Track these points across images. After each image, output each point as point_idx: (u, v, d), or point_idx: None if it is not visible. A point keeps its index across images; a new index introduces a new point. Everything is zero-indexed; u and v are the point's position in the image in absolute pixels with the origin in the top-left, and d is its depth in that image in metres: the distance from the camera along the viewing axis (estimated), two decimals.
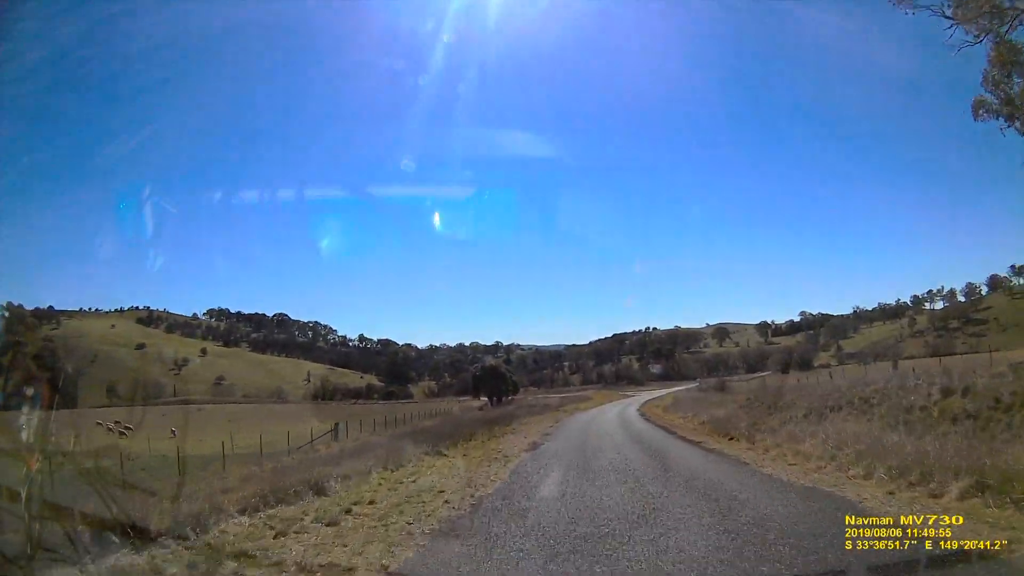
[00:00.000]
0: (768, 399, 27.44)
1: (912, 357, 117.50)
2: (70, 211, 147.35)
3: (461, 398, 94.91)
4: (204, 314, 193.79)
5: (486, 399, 79.27)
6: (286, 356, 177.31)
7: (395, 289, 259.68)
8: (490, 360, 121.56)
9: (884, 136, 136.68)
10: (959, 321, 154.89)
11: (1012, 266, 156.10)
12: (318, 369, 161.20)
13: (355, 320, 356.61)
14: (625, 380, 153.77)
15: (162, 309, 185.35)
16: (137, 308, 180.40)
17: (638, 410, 47.19)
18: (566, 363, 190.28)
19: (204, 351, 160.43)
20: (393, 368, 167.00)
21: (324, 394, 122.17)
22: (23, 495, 4.73)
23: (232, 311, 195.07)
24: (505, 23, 70.93)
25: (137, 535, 6.52)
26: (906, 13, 17.88)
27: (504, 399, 78.72)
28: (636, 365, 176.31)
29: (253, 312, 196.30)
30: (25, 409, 5.50)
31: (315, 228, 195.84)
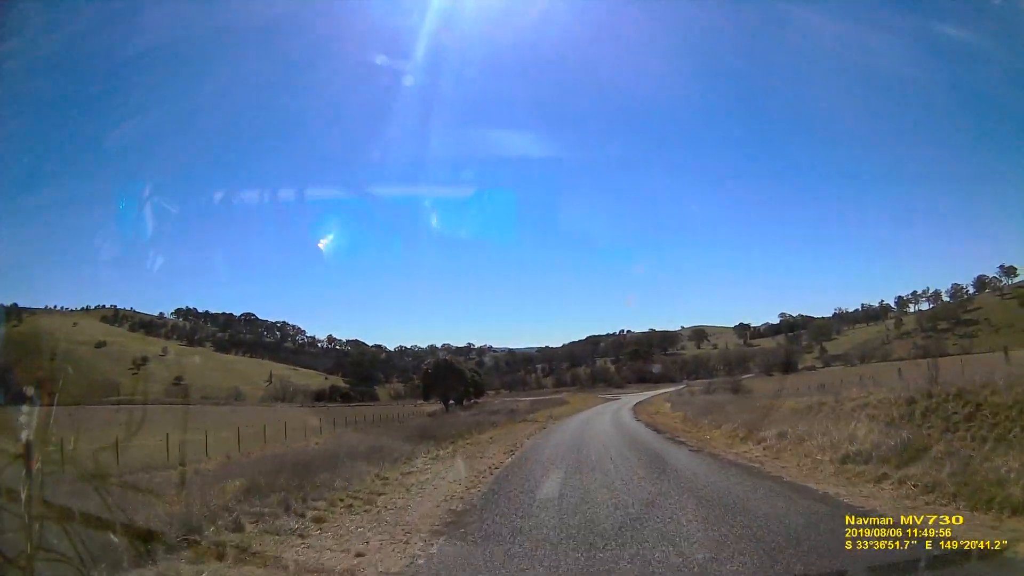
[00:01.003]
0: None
1: (901, 359, 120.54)
2: (47, 208, 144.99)
3: (422, 401, 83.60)
4: (172, 313, 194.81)
5: (441, 402, 72.04)
6: (251, 356, 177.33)
7: (366, 291, 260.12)
8: (445, 355, 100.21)
9: (863, 138, 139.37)
10: (948, 322, 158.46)
11: (1001, 266, 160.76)
12: (281, 370, 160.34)
13: (325, 321, 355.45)
14: (601, 382, 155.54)
15: (129, 308, 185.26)
16: (103, 307, 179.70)
17: (639, 419, 36.90)
18: (539, 365, 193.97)
19: (165, 350, 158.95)
20: (360, 369, 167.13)
21: (283, 395, 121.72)
22: (23, 495, 4.87)
23: (200, 311, 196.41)
24: (505, 23, 72.28)
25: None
26: None
27: (465, 402, 72.91)
28: (612, 367, 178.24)
29: (221, 312, 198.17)
30: None
31: (285, 229, 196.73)
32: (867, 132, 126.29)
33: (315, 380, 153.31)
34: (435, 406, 72.39)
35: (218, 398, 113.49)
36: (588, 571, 7.20)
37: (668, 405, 48.28)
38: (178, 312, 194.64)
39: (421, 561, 7.78)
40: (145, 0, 48.13)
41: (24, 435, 5.12)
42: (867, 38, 56.13)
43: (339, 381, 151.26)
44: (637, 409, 50.46)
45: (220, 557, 7.56)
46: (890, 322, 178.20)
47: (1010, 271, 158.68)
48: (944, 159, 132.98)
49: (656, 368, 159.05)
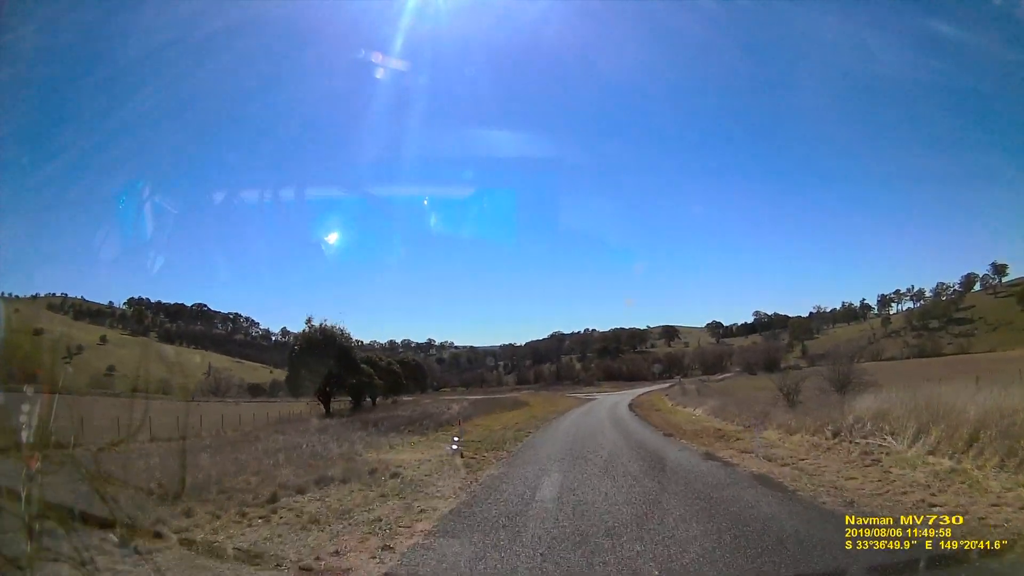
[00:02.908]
0: None
1: (893, 358, 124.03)
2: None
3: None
4: (124, 303, 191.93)
5: (350, 400, 55.23)
6: (196, 348, 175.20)
7: (329, 284, 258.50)
8: (327, 323, 55.26)
9: (840, 137, 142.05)
10: (940, 321, 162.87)
11: (992, 264, 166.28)
12: (226, 362, 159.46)
13: (284, 314, 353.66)
14: (567, 380, 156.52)
15: (79, 296, 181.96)
16: (53, 295, 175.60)
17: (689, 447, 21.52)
18: (501, 362, 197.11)
19: (104, 339, 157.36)
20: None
21: (216, 389, 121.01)
22: (23, 495, 5.24)
23: (152, 300, 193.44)
24: (505, 22, 74.31)
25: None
26: None
27: (365, 402, 56.79)
28: (578, 365, 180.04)
29: (174, 302, 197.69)
30: None
31: (245, 221, 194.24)
32: (844, 131, 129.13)
33: (259, 374, 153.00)
34: (311, 407, 53.97)
35: (146, 391, 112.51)
36: None
37: (697, 410, 39.57)
38: (130, 302, 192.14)
39: None
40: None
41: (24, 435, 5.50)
42: (844, 34, 57.89)
43: (284, 375, 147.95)
44: (651, 419, 36.91)
45: None
46: (874, 321, 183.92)
47: (1001, 269, 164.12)
48: (923, 158, 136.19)
49: (627, 366, 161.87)
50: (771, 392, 36.22)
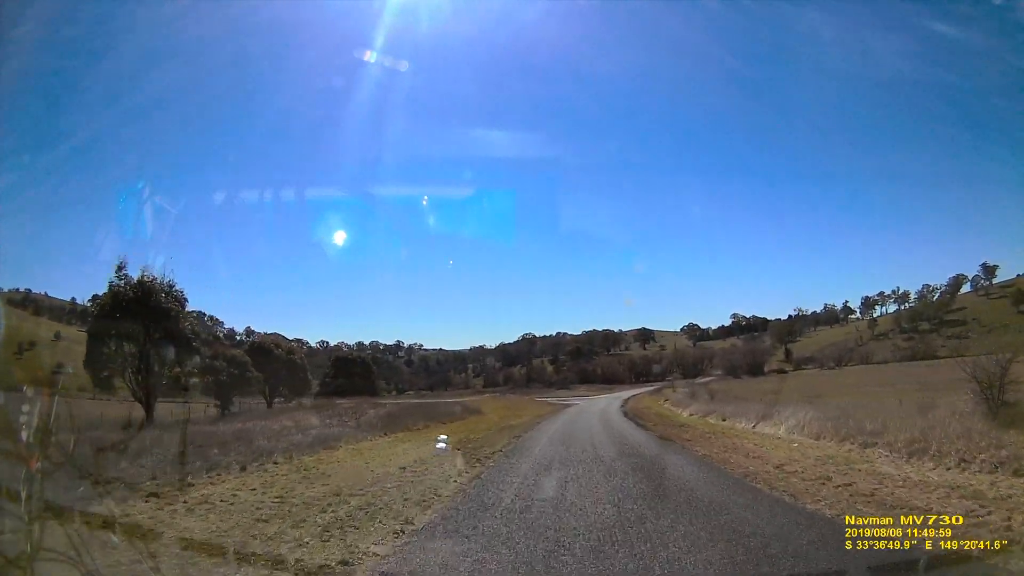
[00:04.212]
0: None
1: (884, 361, 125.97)
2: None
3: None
4: (88, 300, 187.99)
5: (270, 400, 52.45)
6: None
7: (299, 285, 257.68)
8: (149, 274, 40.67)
9: (820, 138, 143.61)
10: (931, 323, 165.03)
11: (983, 265, 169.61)
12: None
13: (256, 314, 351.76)
14: (537, 383, 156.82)
15: (43, 292, 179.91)
16: (17, 290, 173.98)
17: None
18: (470, 365, 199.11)
19: (58, 335, 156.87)
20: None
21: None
22: (23, 495, 5.46)
23: None
24: (505, 22, 74.81)
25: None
26: None
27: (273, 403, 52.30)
28: (550, 368, 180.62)
29: None
30: None
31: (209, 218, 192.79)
32: (824, 131, 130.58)
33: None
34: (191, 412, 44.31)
35: (89, 389, 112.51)
36: None
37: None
38: (94, 298, 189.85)
39: None
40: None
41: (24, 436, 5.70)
42: (833, 34, 58.73)
43: None
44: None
45: None
46: (860, 323, 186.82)
47: (991, 270, 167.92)
48: (907, 159, 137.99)
49: (601, 369, 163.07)
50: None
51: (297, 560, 8.47)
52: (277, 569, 8.10)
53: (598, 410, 54.23)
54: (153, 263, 40.42)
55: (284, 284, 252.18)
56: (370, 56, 44.65)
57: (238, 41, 73.33)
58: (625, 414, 45.68)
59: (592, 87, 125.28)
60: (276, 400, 59.03)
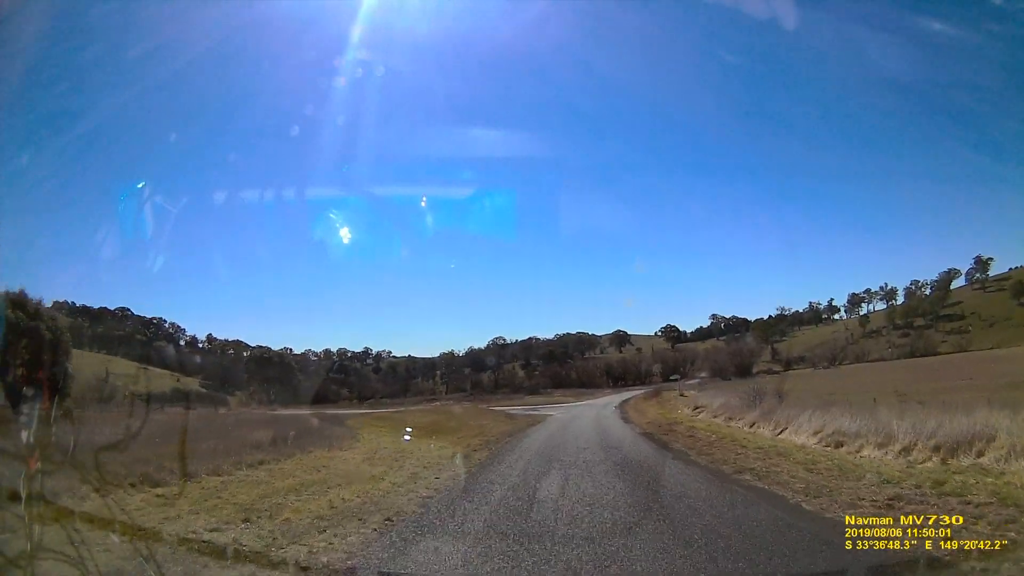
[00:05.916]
0: None
1: (881, 359, 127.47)
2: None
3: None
4: (49, 306, 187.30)
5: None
6: (105, 353, 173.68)
7: (266, 291, 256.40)
8: None
9: (802, 135, 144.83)
10: (927, 319, 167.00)
11: (976, 258, 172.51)
12: (132, 368, 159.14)
13: (217, 321, 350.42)
14: (507, 388, 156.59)
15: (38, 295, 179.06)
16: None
17: None
18: (438, 371, 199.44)
19: None
20: (224, 371, 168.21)
21: (101, 396, 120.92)
22: (23, 495, 5.80)
23: (76, 304, 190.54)
24: (505, 21, 75.77)
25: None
26: None
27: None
28: (521, 372, 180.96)
29: (100, 306, 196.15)
30: None
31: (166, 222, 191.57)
32: (806, 128, 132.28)
33: (168, 381, 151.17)
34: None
35: None
36: None
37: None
38: (55, 305, 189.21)
39: None
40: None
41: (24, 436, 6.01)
42: (824, 33, 59.63)
43: (195, 384, 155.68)
44: None
45: None
46: (848, 321, 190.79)
47: (985, 263, 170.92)
48: (891, 156, 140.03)
49: (577, 373, 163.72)
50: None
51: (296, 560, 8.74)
52: (277, 568, 8.41)
53: (589, 435, 32.15)
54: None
55: (256, 290, 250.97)
56: (370, 56, 45.22)
57: (239, 41, 74.74)
58: (657, 441, 27.39)
59: (592, 88, 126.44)
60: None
